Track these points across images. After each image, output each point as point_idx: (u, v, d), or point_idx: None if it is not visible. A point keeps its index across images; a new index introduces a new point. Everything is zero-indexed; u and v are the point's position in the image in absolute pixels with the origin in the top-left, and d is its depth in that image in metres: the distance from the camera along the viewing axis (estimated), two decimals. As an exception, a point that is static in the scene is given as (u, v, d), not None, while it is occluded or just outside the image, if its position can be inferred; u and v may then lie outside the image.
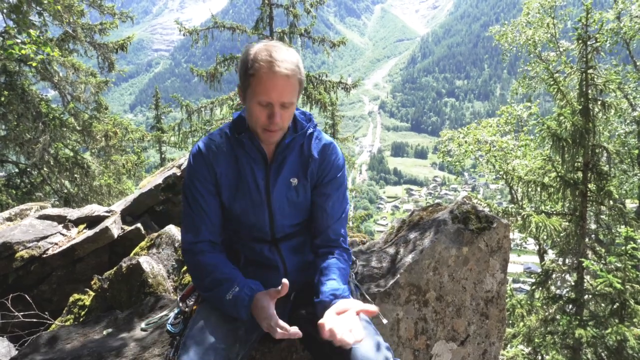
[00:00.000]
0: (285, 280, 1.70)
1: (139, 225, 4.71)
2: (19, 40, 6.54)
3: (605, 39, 12.95)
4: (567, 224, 7.73)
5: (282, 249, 2.03)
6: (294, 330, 1.65)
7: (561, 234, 7.70)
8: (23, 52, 6.26)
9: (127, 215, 5.29)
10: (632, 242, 6.58)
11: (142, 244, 4.08)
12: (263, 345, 2.26)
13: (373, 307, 1.70)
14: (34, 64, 9.03)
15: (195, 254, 1.93)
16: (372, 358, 1.66)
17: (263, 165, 1.95)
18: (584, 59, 7.41)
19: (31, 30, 6.47)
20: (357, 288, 2.30)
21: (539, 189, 7.96)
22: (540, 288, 8.21)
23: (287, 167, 1.96)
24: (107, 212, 4.88)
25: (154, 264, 3.49)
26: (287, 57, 1.76)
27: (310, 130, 2.02)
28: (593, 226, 8.60)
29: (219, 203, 1.98)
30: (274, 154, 1.95)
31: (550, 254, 11.62)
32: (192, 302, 2.15)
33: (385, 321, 2.26)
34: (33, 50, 6.36)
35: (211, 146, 1.97)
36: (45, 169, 11.02)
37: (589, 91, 7.39)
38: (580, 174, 7.63)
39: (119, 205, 5.52)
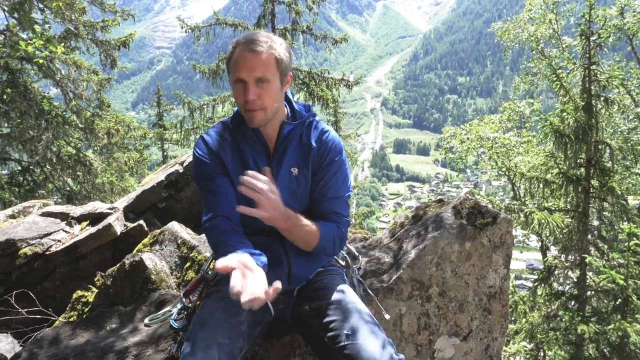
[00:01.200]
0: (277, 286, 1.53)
1: (141, 222, 4.72)
2: (24, 36, 6.54)
3: (608, 35, 12.86)
4: (569, 220, 7.72)
5: (287, 242, 2.03)
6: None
7: (564, 231, 7.69)
8: (29, 47, 6.26)
9: (130, 212, 5.29)
10: (634, 239, 6.57)
11: (145, 240, 4.09)
12: (266, 341, 2.27)
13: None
14: (41, 61, 9.02)
15: (210, 229, 1.93)
16: (377, 356, 1.66)
17: (265, 156, 1.98)
18: (587, 55, 7.39)
19: (36, 26, 6.47)
20: (359, 283, 2.31)
21: (541, 185, 7.95)
22: (543, 284, 8.20)
23: (288, 157, 1.98)
24: (109, 209, 4.89)
25: (157, 260, 3.50)
26: (260, 38, 1.83)
27: (309, 120, 2.04)
28: (595, 222, 8.58)
29: (230, 182, 1.98)
30: (275, 144, 1.98)
31: (553, 251, 11.59)
32: (195, 298, 2.16)
33: (387, 316, 2.27)
34: (40, 44, 6.35)
35: (215, 136, 2.02)
36: (47, 166, 11.04)
37: (592, 87, 7.37)
38: (582, 171, 7.62)
39: (121, 203, 5.52)
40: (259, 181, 1.68)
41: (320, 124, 2.07)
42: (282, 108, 1.99)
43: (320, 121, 2.09)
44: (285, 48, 1.88)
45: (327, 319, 1.84)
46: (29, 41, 6.29)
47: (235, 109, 2.04)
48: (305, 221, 1.90)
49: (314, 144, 2.01)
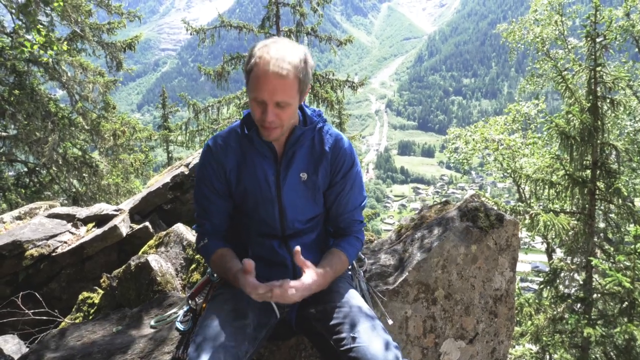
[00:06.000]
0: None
1: (147, 223, 4.73)
2: (29, 37, 6.60)
3: (614, 36, 12.84)
4: (575, 222, 7.68)
5: (292, 246, 2.03)
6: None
7: (569, 233, 7.65)
8: (35, 47, 6.30)
9: (136, 214, 5.31)
10: (641, 241, 6.53)
11: (151, 242, 4.10)
12: (271, 343, 2.27)
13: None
14: (45, 59, 9.06)
15: (199, 243, 2.06)
16: (381, 357, 1.67)
17: (273, 161, 1.96)
18: (593, 57, 7.35)
19: (40, 27, 6.50)
20: (365, 286, 2.30)
21: (547, 187, 7.91)
22: (549, 287, 8.16)
23: (297, 162, 1.96)
24: (115, 210, 4.90)
25: (162, 262, 3.50)
26: (284, 55, 1.72)
27: (320, 125, 2.01)
28: (602, 225, 8.53)
29: (227, 200, 2.03)
30: (283, 149, 1.95)
31: (559, 253, 11.55)
32: (201, 300, 2.16)
33: (390, 322, 2.26)
34: (42, 41, 6.40)
35: (221, 144, 2.00)
36: (54, 168, 11.08)
37: (598, 89, 7.33)
38: (588, 172, 7.58)
39: (127, 204, 5.54)
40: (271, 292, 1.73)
41: (332, 130, 2.04)
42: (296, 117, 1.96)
43: (331, 127, 2.06)
44: (305, 60, 1.78)
45: (332, 322, 1.85)
46: (33, 42, 6.35)
47: (246, 111, 2.03)
48: (333, 265, 1.97)
49: (327, 150, 1.99)
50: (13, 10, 7.99)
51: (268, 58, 1.71)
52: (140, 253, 3.97)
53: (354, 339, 1.73)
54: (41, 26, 6.57)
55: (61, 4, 8.84)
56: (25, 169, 11.44)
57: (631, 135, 13.00)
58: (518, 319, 8.00)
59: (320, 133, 2.01)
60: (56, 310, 3.82)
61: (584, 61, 7.88)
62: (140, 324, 2.63)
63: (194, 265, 3.48)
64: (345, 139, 2.05)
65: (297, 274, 2.04)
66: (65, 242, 4.56)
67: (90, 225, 4.85)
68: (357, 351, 1.69)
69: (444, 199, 3.11)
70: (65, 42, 9.58)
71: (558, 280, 8.15)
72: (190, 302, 2.18)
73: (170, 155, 20.35)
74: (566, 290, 8.21)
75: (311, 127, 1.98)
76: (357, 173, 2.06)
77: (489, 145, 14.44)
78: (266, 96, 1.72)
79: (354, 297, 1.97)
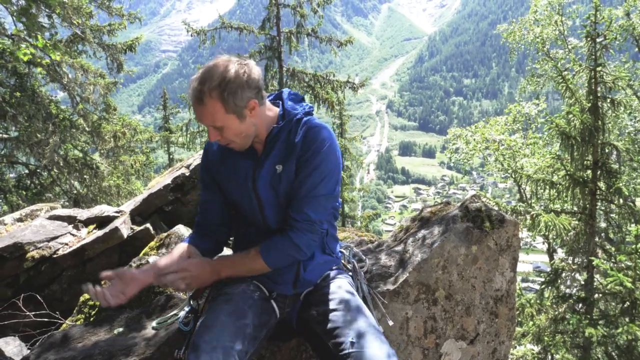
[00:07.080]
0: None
1: (148, 225, 4.73)
2: (23, 45, 6.59)
3: (614, 36, 12.84)
4: (576, 222, 7.68)
5: None
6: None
7: (570, 233, 7.65)
8: (27, 57, 6.30)
9: (137, 216, 5.31)
10: (642, 241, 6.52)
11: (152, 244, 4.10)
12: (272, 344, 2.27)
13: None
14: (40, 69, 9.11)
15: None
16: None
17: (254, 156, 2.00)
18: (593, 57, 7.36)
19: (39, 35, 6.52)
20: (366, 287, 2.30)
21: (547, 187, 7.91)
22: (550, 287, 8.16)
23: (273, 155, 1.97)
24: (116, 212, 4.90)
25: (163, 263, 3.50)
26: (202, 79, 1.76)
27: (298, 117, 1.98)
28: (603, 225, 8.54)
29: (216, 196, 2.12)
30: (264, 145, 1.99)
31: (560, 253, 11.54)
32: (202, 301, 2.16)
33: (391, 323, 2.26)
34: (33, 52, 6.40)
35: (213, 145, 2.09)
36: (55, 170, 11.09)
37: (598, 89, 7.34)
38: (589, 172, 7.58)
39: (128, 206, 5.54)
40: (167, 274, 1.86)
41: (312, 121, 1.98)
42: (267, 119, 1.96)
43: (313, 118, 2.00)
44: (227, 79, 1.75)
45: (331, 325, 1.85)
46: (26, 50, 6.35)
47: None
48: (240, 257, 2.01)
49: (297, 140, 1.94)
50: (14, 13, 8.01)
51: (191, 85, 1.79)
52: (141, 255, 3.97)
53: (352, 344, 1.73)
54: (44, 27, 6.58)
55: (58, 7, 8.86)
56: (27, 171, 11.45)
57: (632, 135, 13.01)
58: (519, 319, 8.00)
59: (298, 125, 1.97)
60: (57, 312, 3.82)
61: (584, 61, 7.89)
62: (141, 326, 2.64)
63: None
64: (323, 128, 1.96)
65: (299, 274, 2.04)
66: (67, 244, 4.57)
67: (91, 227, 4.85)
68: (355, 356, 1.69)
69: (444, 200, 3.11)
70: (65, 50, 9.57)
71: (559, 281, 8.15)
72: (192, 302, 2.19)
73: (171, 156, 20.38)
74: (567, 291, 8.21)
75: (287, 121, 1.97)
76: (323, 161, 1.91)
77: (490, 145, 14.45)
78: (199, 120, 1.83)
79: (354, 301, 1.96)
